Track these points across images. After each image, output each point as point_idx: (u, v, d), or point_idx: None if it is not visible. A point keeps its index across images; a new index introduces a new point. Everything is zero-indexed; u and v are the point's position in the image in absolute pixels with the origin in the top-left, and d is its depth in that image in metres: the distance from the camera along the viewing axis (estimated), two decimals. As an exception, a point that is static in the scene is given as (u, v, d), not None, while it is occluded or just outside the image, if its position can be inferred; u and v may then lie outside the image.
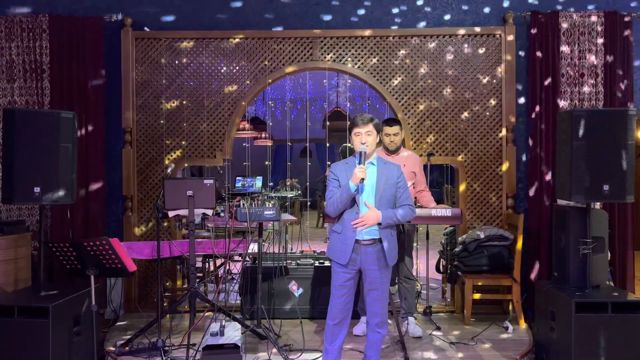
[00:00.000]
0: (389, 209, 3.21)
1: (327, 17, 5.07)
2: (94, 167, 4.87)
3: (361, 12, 5.07)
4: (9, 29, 4.82)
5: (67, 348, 3.56)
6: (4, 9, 4.92)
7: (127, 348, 3.90)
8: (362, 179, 3.12)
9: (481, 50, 4.99)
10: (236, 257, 5.49)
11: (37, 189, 3.65)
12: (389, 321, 3.63)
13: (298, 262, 4.87)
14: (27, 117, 3.73)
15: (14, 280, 4.07)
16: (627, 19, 4.84)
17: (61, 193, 3.76)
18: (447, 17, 5.05)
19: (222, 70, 5.07)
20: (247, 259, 5.00)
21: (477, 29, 4.98)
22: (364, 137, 3.24)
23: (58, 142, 3.75)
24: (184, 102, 5.05)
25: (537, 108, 4.87)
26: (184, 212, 3.99)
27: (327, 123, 8.60)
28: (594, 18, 4.83)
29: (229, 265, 5.43)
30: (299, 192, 7.75)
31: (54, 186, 3.72)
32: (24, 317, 3.43)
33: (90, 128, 4.86)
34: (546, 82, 4.86)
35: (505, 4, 5.02)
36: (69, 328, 3.60)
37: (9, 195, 3.69)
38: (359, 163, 3.17)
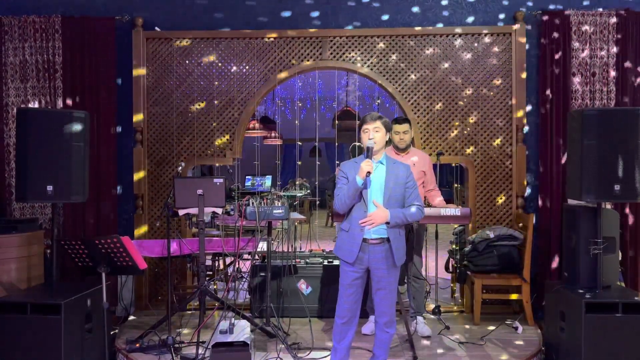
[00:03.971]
0: (397, 208, 3.22)
1: (337, 17, 5.07)
2: (105, 166, 4.92)
3: (370, 11, 5.06)
4: (22, 30, 4.88)
5: (79, 344, 3.60)
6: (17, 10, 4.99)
7: (137, 345, 3.94)
8: (369, 172, 3.13)
9: (491, 49, 4.97)
10: (245, 256, 5.51)
11: (49, 188, 3.70)
12: (397, 319, 3.63)
13: (307, 261, 4.89)
14: (40, 117, 3.78)
15: (27, 278, 4.13)
16: (638, 15, 4.79)
17: (73, 191, 3.81)
18: (457, 16, 5.03)
19: (232, 70, 5.09)
20: (257, 257, 5.03)
21: (488, 28, 4.96)
22: (371, 133, 3.27)
23: (70, 142, 3.79)
24: (194, 101, 5.09)
25: (548, 107, 4.84)
26: (194, 210, 4.02)
27: (337, 122, 8.61)
28: (606, 17, 4.79)
29: (239, 264, 5.46)
30: (308, 191, 7.76)
31: (66, 185, 3.76)
32: (36, 313, 3.48)
33: (102, 127, 4.91)
34: (556, 81, 4.83)
35: (516, 3, 4.99)
36: (81, 325, 3.65)
37: (22, 194, 3.74)
38: (366, 157, 3.19)
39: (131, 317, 4.79)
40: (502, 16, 5.00)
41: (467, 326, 4.57)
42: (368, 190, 3.22)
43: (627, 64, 4.78)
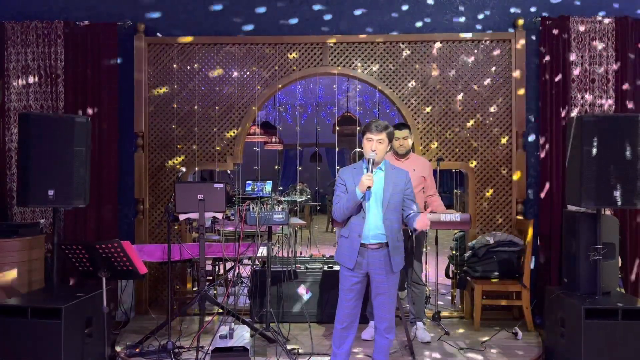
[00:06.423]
0: (418, 213, 3.26)
1: (337, 23, 5.10)
2: (106, 171, 4.93)
3: (371, 17, 5.08)
4: (24, 35, 4.91)
5: (79, 349, 3.61)
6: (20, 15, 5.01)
7: (137, 350, 3.94)
8: (369, 187, 3.13)
9: (491, 56, 4.99)
10: (245, 261, 5.52)
11: (51, 192, 3.71)
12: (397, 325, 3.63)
13: (307, 266, 4.89)
14: (42, 122, 3.80)
15: (28, 282, 4.14)
16: (638, 22, 4.81)
17: (74, 196, 3.82)
18: (457, 22, 5.05)
19: (234, 76, 5.12)
20: (257, 262, 5.03)
21: (487, 35, 4.99)
22: (375, 144, 3.24)
23: (72, 146, 3.81)
24: (196, 106, 5.11)
25: (548, 113, 4.86)
26: (194, 215, 4.03)
27: (337, 128, 8.62)
28: (604, 24, 4.81)
29: (239, 269, 5.46)
30: (309, 196, 7.76)
31: (67, 189, 3.78)
32: (37, 318, 3.49)
33: (103, 132, 4.93)
34: (556, 88, 4.85)
35: (516, 10, 5.01)
36: (81, 329, 3.65)
37: (23, 198, 3.76)
38: (367, 170, 3.18)
39: (131, 322, 4.79)
40: (502, 23, 5.02)
41: (467, 332, 4.57)
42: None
43: (627, 71, 4.80)
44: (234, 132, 5.12)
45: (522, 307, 4.58)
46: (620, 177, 3.64)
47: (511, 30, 4.98)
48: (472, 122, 5.02)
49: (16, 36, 4.91)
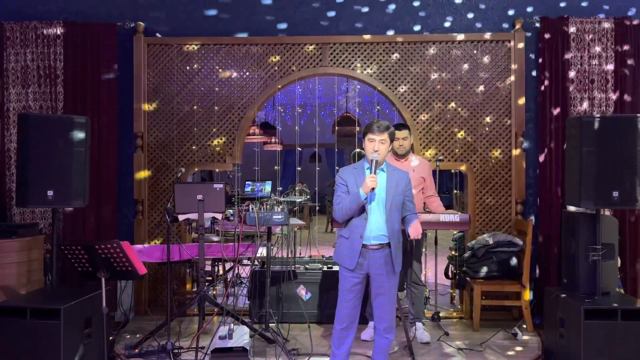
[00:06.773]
0: (415, 215, 3.34)
1: (337, 24, 5.10)
2: (106, 171, 4.93)
3: (370, 18, 5.09)
4: (24, 35, 4.90)
5: (78, 349, 3.60)
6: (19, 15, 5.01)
7: (136, 350, 3.94)
8: (373, 188, 3.13)
9: (490, 57, 5.00)
10: (245, 261, 5.52)
11: (50, 193, 3.71)
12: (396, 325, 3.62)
13: (306, 266, 4.89)
14: (41, 122, 3.80)
15: (27, 282, 4.13)
16: (637, 23, 4.81)
17: (74, 196, 3.82)
18: (456, 23, 5.05)
19: (233, 76, 5.12)
20: (256, 263, 5.03)
21: (487, 36, 4.99)
22: (377, 144, 3.24)
23: (71, 147, 3.81)
24: (195, 107, 5.11)
25: (546, 114, 4.86)
26: (194, 216, 4.03)
27: (337, 128, 8.62)
28: (604, 24, 4.81)
29: (238, 269, 5.46)
30: (308, 196, 7.76)
31: (67, 190, 3.78)
32: (36, 318, 3.48)
33: (103, 132, 4.93)
34: (555, 88, 4.85)
35: (515, 11, 5.02)
36: (80, 330, 3.65)
37: (23, 199, 3.76)
38: (370, 171, 3.18)
39: (130, 323, 4.79)
40: (501, 23, 5.03)
41: (467, 332, 4.57)
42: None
43: (625, 71, 4.81)
44: (233, 133, 5.12)
45: (522, 308, 4.58)
46: (619, 178, 3.64)
47: (510, 31, 4.99)
48: (471, 122, 5.02)
49: (15, 36, 4.91)
